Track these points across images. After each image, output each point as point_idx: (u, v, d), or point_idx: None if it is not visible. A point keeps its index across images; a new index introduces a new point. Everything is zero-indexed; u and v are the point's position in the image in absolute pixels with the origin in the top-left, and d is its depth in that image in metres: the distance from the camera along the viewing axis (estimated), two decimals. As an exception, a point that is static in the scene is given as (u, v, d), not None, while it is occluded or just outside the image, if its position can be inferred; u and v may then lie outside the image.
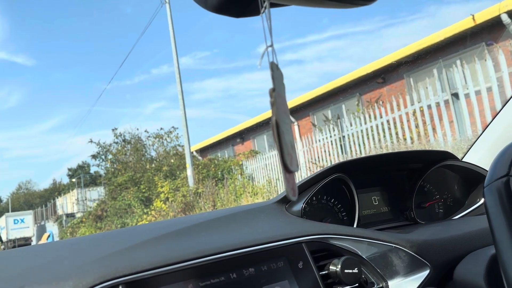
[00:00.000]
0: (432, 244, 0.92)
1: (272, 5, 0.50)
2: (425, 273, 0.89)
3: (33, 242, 24.42)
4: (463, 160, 1.36)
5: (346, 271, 0.81)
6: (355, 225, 1.12)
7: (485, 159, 1.31)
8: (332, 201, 1.16)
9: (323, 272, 0.83)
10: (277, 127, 0.49)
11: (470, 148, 1.40)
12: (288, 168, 0.49)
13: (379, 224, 1.18)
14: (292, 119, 12.22)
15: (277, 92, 0.51)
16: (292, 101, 12.04)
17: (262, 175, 10.35)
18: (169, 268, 0.69)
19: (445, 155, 1.24)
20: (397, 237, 0.92)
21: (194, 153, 15.41)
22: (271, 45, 0.51)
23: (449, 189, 1.31)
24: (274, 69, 0.51)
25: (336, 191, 1.15)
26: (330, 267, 0.83)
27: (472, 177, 1.26)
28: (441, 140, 6.21)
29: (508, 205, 0.66)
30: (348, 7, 0.54)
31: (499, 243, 0.65)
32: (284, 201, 1.04)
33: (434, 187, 1.29)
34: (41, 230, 26.03)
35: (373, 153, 7.16)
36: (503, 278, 0.65)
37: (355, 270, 0.82)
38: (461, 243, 0.93)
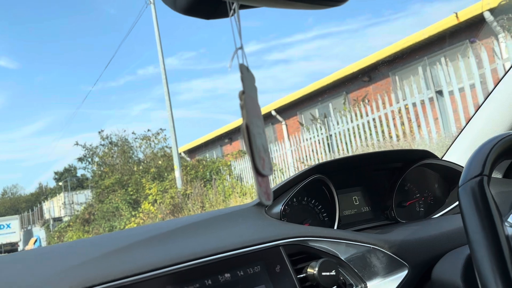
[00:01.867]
0: (410, 244, 0.92)
1: (242, 6, 0.49)
2: (403, 274, 0.88)
3: (20, 247, 24.07)
4: (443, 158, 1.36)
5: (323, 273, 0.80)
6: (335, 226, 1.12)
7: (464, 157, 1.32)
8: (312, 202, 1.15)
9: (301, 275, 0.82)
10: (248, 131, 0.48)
11: (450, 146, 1.41)
12: (260, 172, 0.48)
13: (360, 224, 1.18)
14: (280, 118, 12.23)
15: (248, 95, 0.50)
16: (280, 101, 12.06)
17: (251, 175, 10.33)
18: (141, 276, 0.68)
19: (425, 154, 1.24)
20: (375, 238, 0.92)
21: (182, 154, 15.35)
22: (241, 47, 0.50)
23: (430, 187, 1.31)
24: (244, 71, 0.50)
25: (317, 192, 1.15)
26: (308, 270, 0.82)
27: (451, 176, 1.26)
28: (427, 137, 6.27)
29: (482, 205, 0.66)
30: (318, 8, 0.53)
31: (473, 243, 0.65)
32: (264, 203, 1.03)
33: (414, 186, 1.29)
34: (27, 235, 25.67)
35: (360, 151, 7.20)
36: (477, 279, 0.64)
37: (333, 273, 0.81)
38: (440, 242, 0.93)
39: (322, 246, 0.88)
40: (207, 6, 0.49)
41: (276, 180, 9.25)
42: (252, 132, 0.48)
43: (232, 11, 0.48)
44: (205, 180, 10.88)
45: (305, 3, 0.50)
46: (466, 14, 7.50)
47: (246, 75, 0.50)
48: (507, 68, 1.24)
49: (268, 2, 0.49)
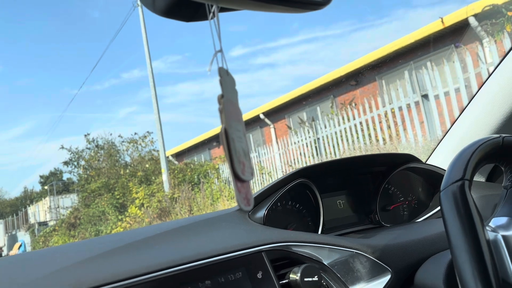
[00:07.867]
0: (393, 249, 0.91)
1: (222, 9, 0.48)
2: (386, 278, 0.88)
3: (4, 252, 23.64)
4: (427, 162, 1.37)
5: (305, 279, 0.79)
6: (320, 230, 1.11)
7: (448, 161, 1.32)
8: (296, 206, 1.14)
9: (284, 281, 0.81)
10: (226, 135, 0.47)
11: (434, 150, 1.42)
12: (239, 177, 0.47)
13: (344, 228, 1.18)
14: (268, 121, 12.23)
15: (227, 99, 0.49)
16: (268, 104, 12.07)
17: (239, 178, 10.27)
18: (118, 284, 0.66)
19: (408, 158, 1.24)
20: (358, 242, 0.91)
21: (170, 158, 15.24)
22: (220, 50, 0.49)
23: (413, 191, 1.31)
24: (223, 74, 0.49)
25: (301, 196, 1.14)
26: (290, 275, 0.81)
27: (435, 179, 1.27)
28: (412, 140, 6.32)
29: (463, 209, 0.66)
30: (299, 11, 0.53)
31: (454, 248, 0.65)
32: None
33: (398, 189, 1.29)
34: (12, 240, 25.24)
35: (347, 154, 7.23)
36: (458, 283, 0.64)
37: (315, 278, 0.80)
38: (423, 246, 0.93)
39: (305, 251, 0.87)
40: (186, 8, 0.48)
41: (265, 183, 9.23)
42: (231, 136, 0.47)
43: (211, 14, 0.47)
44: (193, 183, 10.81)
45: (285, 6, 0.50)
46: (451, 19, 7.61)
47: (226, 78, 0.49)
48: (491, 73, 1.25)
49: (248, 5, 0.49)
